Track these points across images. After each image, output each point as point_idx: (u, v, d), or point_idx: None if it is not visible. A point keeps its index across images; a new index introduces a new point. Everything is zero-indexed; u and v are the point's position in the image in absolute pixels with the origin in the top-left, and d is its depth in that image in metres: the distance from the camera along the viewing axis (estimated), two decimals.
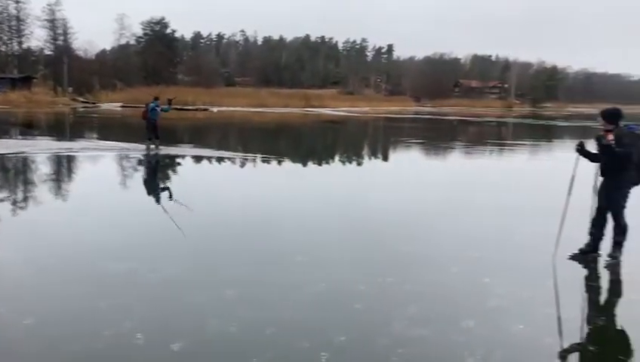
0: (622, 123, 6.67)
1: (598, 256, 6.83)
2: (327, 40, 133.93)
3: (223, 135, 30.93)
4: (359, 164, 18.81)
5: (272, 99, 71.57)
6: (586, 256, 6.80)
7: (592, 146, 6.99)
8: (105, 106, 56.13)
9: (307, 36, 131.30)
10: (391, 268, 6.34)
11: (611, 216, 6.72)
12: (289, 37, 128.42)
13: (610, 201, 6.69)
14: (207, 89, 70.86)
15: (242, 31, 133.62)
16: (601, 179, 6.80)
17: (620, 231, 6.67)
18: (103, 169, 15.15)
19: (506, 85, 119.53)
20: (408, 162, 19.70)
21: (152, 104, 17.73)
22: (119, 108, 54.07)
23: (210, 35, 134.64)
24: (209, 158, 17.24)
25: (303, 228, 8.36)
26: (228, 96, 69.63)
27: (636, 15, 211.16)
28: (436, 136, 33.31)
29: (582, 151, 6.87)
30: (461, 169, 18.11)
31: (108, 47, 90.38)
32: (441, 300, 5.39)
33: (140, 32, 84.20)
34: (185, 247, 7.04)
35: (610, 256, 6.73)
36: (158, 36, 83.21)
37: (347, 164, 18.77)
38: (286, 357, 4.14)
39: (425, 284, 5.85)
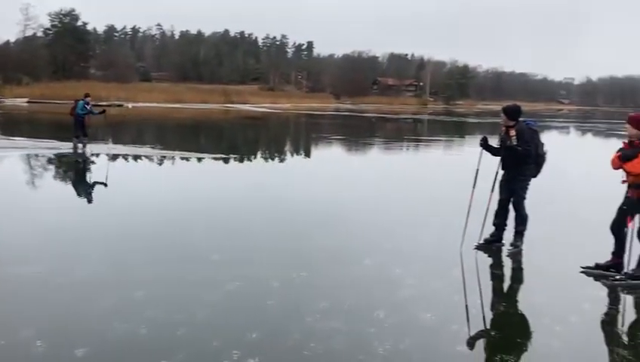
0: (521, 118, 7.07)
1: (502, 245, 7.20)
2: (246, 35, 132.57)
3: (139, 132, 29.90)
4: (281, 160, 18.80)
5: (191, 94, 69.95)
6: (491, 246, 7.16)
7: (495, 141, 7.35)
8: (9, 102, 52.64)
9: (226, 31, 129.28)
10: (306, 263, 6.37)
11: (513, 207, 7.11)
12: (207, 31, 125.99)
13: (511, 193, 7.07)
14: (122, 84, 68.14)
15: (158, 25, 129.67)
16: (502, 172, 7.17)
17: (521, 221, 7.07)
18: (10, 168, 14.22)
19: (421, 83, 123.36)
20: (329, 158, 19.93)
21: (81, 101, 16.91)
22: (25, 104, 50.93)
23: (124, 28, 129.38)
24: (125, 156, 16.60)
25: (221, 225, 8.24)
26: (144, 91, 67.26)
27: (541, 18, 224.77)
28: (356, 133, 33.86)
29: (485, 145, 7.20)
30: (378, 164, 18.54)
31: (12, 39, 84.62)
32: (353, 292, 5.48)
33: (47, 23, 79.57)
34: (97, 248, 6.74)
35: (512, 244, 7.11)
36: (67, 29, 78.81)
37: (269, 160, 18.71)
38: (197, 357, 4.06)
39: (338, 277, 5.94)
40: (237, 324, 4.65)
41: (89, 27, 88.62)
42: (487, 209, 7.11)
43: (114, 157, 15.83)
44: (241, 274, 5.88)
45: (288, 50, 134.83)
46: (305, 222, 8.59)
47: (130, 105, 52.42)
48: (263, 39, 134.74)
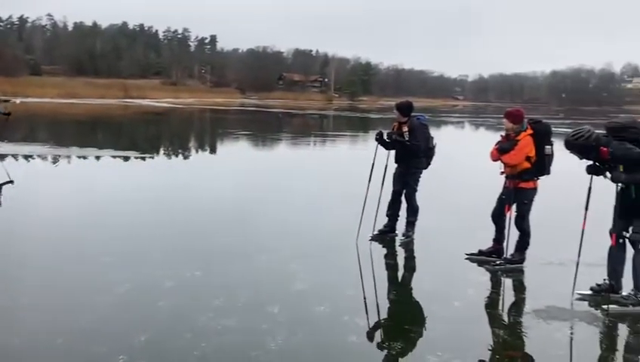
0: (413, 114, 7.37)
1: (395, 235, 7.48)
2: (146, 28, 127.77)
3: (30, 129, 27.91)
4: (184, 157, 18.32)
5: (87, 89, 66.43)
6: (385, 236, 7.41)
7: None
8: None
9: (124, 23, 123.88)
10: (201, 261, 6.26)
11: (405, 199, 7.40)
12: (104, 23, 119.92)
13: (404, 185, 7.36)
14: (8, 78, 63.29)
15: (49, 15, 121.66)
16: (396, 165, 7.44)
17: (412, 212, 7.38)
18: None
19: (326, 79, 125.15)
20: (232, 154, 19.69)
21: None
22: None
23: (10, 17, 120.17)
24: (14, 155, 15.42)
25: (113, 225, 7.87)
26: (34, 86, 62.83)
27: (437, 18, 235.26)
28: (262, 128, 33.75)
29: (380, 140, 7.43)
30: (282, 159, 18.59)
31: None
32: (247, 289, 5.45)
33: None
34: None
35: (404, 234, 7.40)
36: None
37: (171, 157, 18.16)
38: None
39: (233, 275, 5.89)
40: (125, 328, 4.47)
41: None
42: (379, 201, 7.33)
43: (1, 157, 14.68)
44: (131, 275, 5.67)
45: (191, 43, 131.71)
46: (203, 221, 8.42)
47: (18, 101, 48.68)
48: (164, 32, 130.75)
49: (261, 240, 7.26)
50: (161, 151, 19.96)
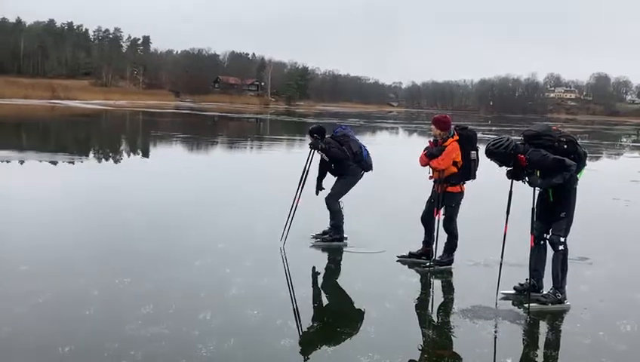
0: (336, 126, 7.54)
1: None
2: (75, 27, 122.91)
3: None
4: (115, 160, 17.72)
5: (10, 89, 63.14)
6: (321, 238, 7.51)
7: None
8: None
9: (51, 21, 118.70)
10: (131, 267, 6.09)
11: (326, 203, 7.46)
12: (28, 20, 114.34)
13: (331, 189, 7.45)
14: None
15: None
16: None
17: (334, 214, 7.44)
18: None
19: (262, 83, 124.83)
20: (163, 157, 19.25)
21: None
22: None
23: None
24: None
25: (35, 232, 7.52)
26: None
27: (371, 25, 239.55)
28: (196, 131, 33.18)
29: (314, 146, 7.48)
30: (216, 162, 18.34)
31: None
32: (180, 295, 5.35)
33: None
34: None
35: (324, 238, 7.51)
36: None
37: (101, 160, 17.51)
38: None
39: (166, 280, 5.76)
40: (48, 339, 4.28)
41: None
42: (295, 206, 7.35)
43: None
44: (54, 284, 5.44)
45: (123, 44, 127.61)
46: (134, 227, 8.19)
47: None
48: (95, 31, 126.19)
49: (194, 246, 7.13)
50: (91, 155, 19.23)
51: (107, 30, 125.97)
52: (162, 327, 4.57)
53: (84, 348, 4.17)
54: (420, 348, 4.64)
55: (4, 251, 6.56)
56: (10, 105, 48.24)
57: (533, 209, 5.51)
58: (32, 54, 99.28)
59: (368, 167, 7.54)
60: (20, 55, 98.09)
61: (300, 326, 4.92)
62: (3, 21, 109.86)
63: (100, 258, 6.44)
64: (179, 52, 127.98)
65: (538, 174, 5.43)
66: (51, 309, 4.89)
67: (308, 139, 7.54)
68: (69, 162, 15.67)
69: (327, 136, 7.48)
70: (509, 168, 5.56)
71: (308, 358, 4.33)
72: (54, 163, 15.15)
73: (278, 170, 15.87)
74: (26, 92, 63.74)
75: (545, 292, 5.68)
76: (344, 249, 7.37)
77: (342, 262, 7.05)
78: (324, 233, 7.58)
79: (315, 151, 7.35)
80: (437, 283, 6.31)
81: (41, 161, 15.08)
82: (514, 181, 5.56)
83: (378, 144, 26.29)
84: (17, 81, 73.01)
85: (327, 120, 53.76)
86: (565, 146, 5.44)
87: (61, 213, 8.86)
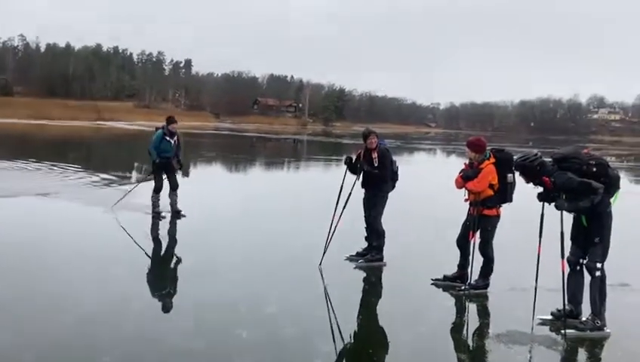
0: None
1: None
2: (120, 51, 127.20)
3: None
4: None
5: (58, 110, 65.77)
6: (357, 258, 7.56)
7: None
8: None
9: (98, 45, 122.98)
10: (171, 279, 6.24)
11: (369, 222, 7.51)
12: (77, 45, 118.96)
13: (370, 209, 7.50)
14: None
15: (21, 35, 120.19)
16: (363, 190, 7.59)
17: (377, 236, 7.50)
18: None
19: (300, 105, 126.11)
20: (202, 176, 19.64)
21: None
22: None
23: None
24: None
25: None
26: (3, 106, 62.04)
27: (410, 47, 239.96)
28: (235, 151, 33.74)
29: (350, 165, 7.59)
30: (255, 181, 18.60)
31: None
32: (216, 311, 5.47)
33: None
34: None
35: (367, 259, 7.54)
36: None
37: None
38: None
39: (202, 296, 5.89)
40: (89, 349, 4.45)
41: None
42: (334, 225, 7.35)
43: None
44: (98, 293, 5.64)
45: (165, 67, 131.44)
46: (172, 242, 8.37)
47: None
48: (139, 55, 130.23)
49: (230, 261, 7.29)
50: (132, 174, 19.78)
51: (150, 54, 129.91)
52: (199, 342, 4.70)
53: (125, 359, 4.32)
54: None
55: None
56: (59, 127, 50.09)
57: (562, 233, 5.44)
58: (80, 77, 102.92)
59: (393, 188, 7.61)
60: (69, 78, 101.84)
61: (335, 347, 4.97)
62: (54, 46, 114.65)
63: (139, 272, 6.64)
64: (219, 75, 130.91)
65: (564, 198, 5.37)
66: (95, 320, 5.08)
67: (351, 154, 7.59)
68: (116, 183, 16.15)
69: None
70: (539, 191, 5.53)
71: None
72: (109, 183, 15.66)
73: (315, 190, 15.99)
74: (73, 114, 66.25)
75: (583, 319, 5.57)
76: (383, 270, 7.38)
77: (378, 284, 7.06)
78: (359, 254, 7.61)
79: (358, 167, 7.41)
80: (472, 307, 6.26)
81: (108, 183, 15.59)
82: (546, 204, 5.52)
83: (415, 163, 26.18)
84: (66, 103, 75.97)
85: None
86: (594, 169, 5.36)
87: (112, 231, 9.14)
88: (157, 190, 10.11)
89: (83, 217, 10.18)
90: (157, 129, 10.25)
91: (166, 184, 10.17)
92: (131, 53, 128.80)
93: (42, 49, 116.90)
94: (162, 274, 6.67)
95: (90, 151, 29.98)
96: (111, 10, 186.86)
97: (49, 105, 69.35)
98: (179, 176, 10.49)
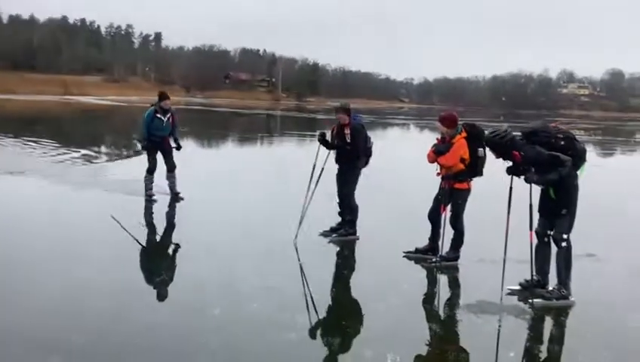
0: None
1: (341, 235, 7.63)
2: (87, 23, 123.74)
3: None
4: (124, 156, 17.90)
5: (23, 85, 63.78)
6: (331, 233, 7.60)
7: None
8: None
9: (64, 17, 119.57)
10: (143, 260, 6.21)
11: (342, 197, 7.54)
12: (41, 17, 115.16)
13: (343, 185, 7.53)
14: None
15: None
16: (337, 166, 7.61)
17: (350, 210, 7.55)
18: None
19: (273, 79, 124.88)
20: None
21: None
22: None
23: None
24: None
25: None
26: None
27: (381, 21, 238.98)
28: (208, 126, 33.37)
29: (323, 141, 7.58)
30: (227, 157, 18.47)
31: None
32: (189, 289, 5.47)
33: None
34: None
35: (341, 233, 7.58)
36: None
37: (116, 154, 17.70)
38: None
39: (177, 275, 5.88)
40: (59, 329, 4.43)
41: None
42: (308, 201, 7.40)
43: None
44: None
45: (135, 40, 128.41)
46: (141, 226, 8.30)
47: None
48: (107, 28, 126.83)
49: (205, 240, 7.27)
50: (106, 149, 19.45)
51: (119, 27, 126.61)
52: (168, 319, 4.70)
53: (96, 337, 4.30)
54: (425, 342, 4.73)
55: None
56: (25, 102, 48.73)
57: (530, 205, 5.58)
58: (46, 50, 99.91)
59: (367, 164, 7.63)
60: (34, 51, 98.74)
61: (309, 320, 5.03)
62: (17, 18, 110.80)
63: (110, 251, 6.58)
64: (190, 48, 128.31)
65: (533, 170, 5.48)
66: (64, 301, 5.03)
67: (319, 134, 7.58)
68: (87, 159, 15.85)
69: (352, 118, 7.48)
70: (508, 165, 5.63)
71: (314, 352, 4.43)
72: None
73: (288, 166, 15.96)
74: (39, 88, 64.36)
75: (550, 288, 5.73)
76: (356, 243, 7.45)
77: (352, 257, 7.14)
78: (332, 229, 7.65)
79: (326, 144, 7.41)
80: (443, 279, 6.38)
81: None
82: (514, 177, 5.63)
83: (388, 138, 26.30)
84: (31, 77, 73.72)
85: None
86: (562, 143, 5.48)
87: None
88: (149, 171, 9.64)
89: (72, 198, 9.95)
90: (152, 105, 9.77)
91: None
92: (99, 26, 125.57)
93: (4, 21, 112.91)
94: (139, 257, 6.61)
95: (63, 127, 29.28)
96: None
97: (13, 79, 67.09)
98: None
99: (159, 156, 9.75)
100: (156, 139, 9.59)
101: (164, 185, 9.79)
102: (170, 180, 9.72)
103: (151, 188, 9.63)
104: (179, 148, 9.84)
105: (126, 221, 7.92)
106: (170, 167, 9.71)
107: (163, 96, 9.80)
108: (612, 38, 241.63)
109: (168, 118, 9.65)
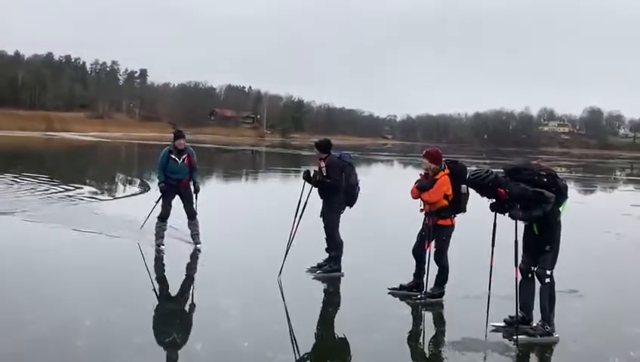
0: (336, 152, 7.65)
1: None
2: (72, 60, 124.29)
3: None
4: (109, 191, 17.77)
5: (6, 121, 63.56)
6: (317, 269, 7.58)
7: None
8: None
9: (49, 54, 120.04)
10: (125, 299, 6.12)
11: (326, 233, 7.55)
12: (27, 54, 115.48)
13: (324, 218, 7.55)
14: None
15: None
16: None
17: (335, 246, 7.53)
18: None
19: (258, 116, 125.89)
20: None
21: None
22: None
23: None
24: None
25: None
26: None
27: (367, 60, 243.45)
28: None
29: (307, 178, 7.63)
30: (212, 193, 18.38)
31: None
32: (174, 326, 5.39)
33: None
34: None
35: (324, 269, 7.56)
36: None
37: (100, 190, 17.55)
38: None
39: (161, 312, 5.80)
40: None
41: None
42: (292, 236, 7.39)
43: None
44: (48, 314, 5.47)
45: (120, 76, 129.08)
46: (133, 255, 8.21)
47: None
48: (92, 64, 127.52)
49: (190, 274, 7.19)
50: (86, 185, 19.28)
51: (104, 63, 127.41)
52: (153, 358, 4.61)
53: None
54: None
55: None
56: (7, 136, 48.38)
57: (515, 241, 5.63)
58: (30, 87, 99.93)
59: (353, 203, 7.66)
60: (18, 87, 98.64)
61: (295, 357, 4.97)
62: (2, 54, 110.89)
63: (90, 288, 6.48)
64: (176, 85, 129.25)
65: (518, 207, 5.56)
66: (47, 338, 4.92)
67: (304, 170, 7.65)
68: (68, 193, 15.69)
69: (334, 154, 7.57)
70: (491, 202, 5.70)
71: None
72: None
73: (273, 202, 15.97)
74: (21, 124, 64.14)
75: (534, 325, 5.73)
76: (341, 280, 7.43)
77: (336, 294, 7.09)
78: (319, 265, 7.63)
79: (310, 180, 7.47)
80: (428, 316, 6.36)
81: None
82: (498, 214, 5.70)
83: (372, 174, 26.45)
84: (14, 114, 73.53)
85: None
86: (545, 180, 5.58)
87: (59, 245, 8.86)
88: (162, 217, 8.66)
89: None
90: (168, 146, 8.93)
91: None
92: (84, 62, 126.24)
93: None
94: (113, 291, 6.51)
95: (46, 162, 29.05)
96: (63, 18, 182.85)
97: None
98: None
99: (177, 201, 8.84)
100: (172, 182, 8.68)
101: (185, 231, 9.09)
102: (191, 228, 8.84)
103: (162, 237, 8.65)
104: (197, 191, 8.85)
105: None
106: (190, 214, 8.78)
107: (177, 135, 8.95)
108: (590, 77, 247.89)
109: (183, 159, 8.73)
